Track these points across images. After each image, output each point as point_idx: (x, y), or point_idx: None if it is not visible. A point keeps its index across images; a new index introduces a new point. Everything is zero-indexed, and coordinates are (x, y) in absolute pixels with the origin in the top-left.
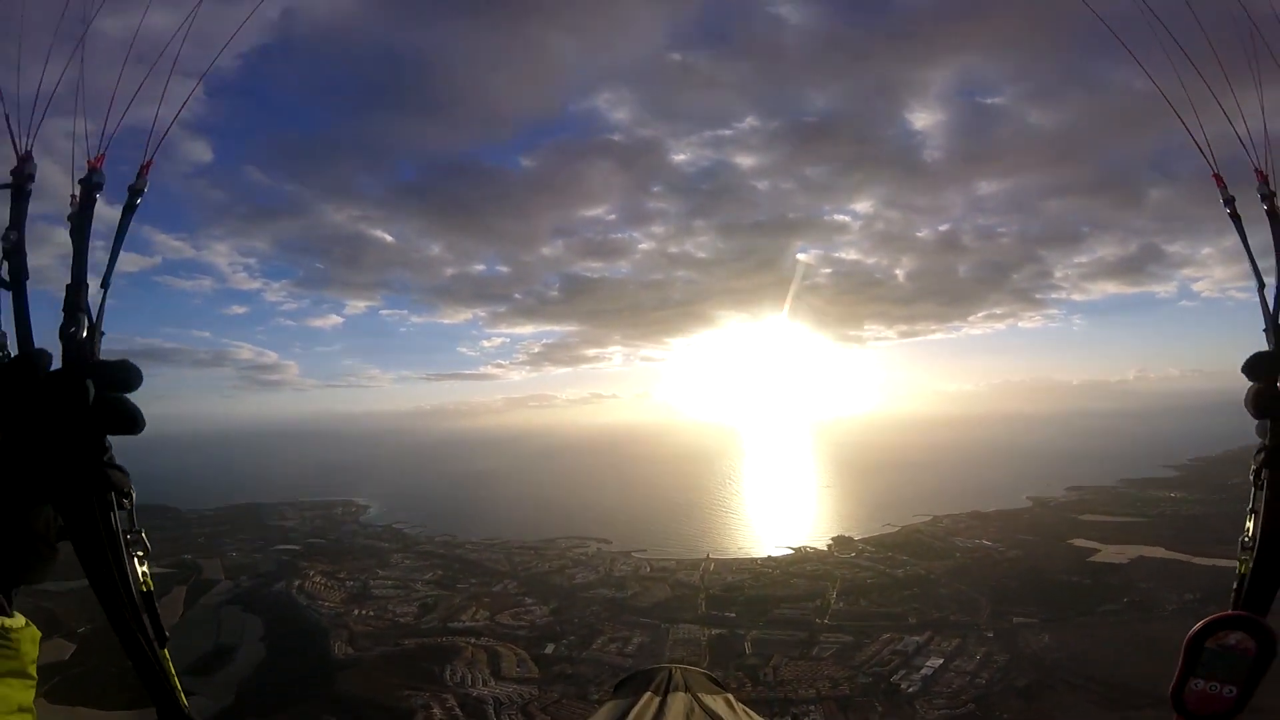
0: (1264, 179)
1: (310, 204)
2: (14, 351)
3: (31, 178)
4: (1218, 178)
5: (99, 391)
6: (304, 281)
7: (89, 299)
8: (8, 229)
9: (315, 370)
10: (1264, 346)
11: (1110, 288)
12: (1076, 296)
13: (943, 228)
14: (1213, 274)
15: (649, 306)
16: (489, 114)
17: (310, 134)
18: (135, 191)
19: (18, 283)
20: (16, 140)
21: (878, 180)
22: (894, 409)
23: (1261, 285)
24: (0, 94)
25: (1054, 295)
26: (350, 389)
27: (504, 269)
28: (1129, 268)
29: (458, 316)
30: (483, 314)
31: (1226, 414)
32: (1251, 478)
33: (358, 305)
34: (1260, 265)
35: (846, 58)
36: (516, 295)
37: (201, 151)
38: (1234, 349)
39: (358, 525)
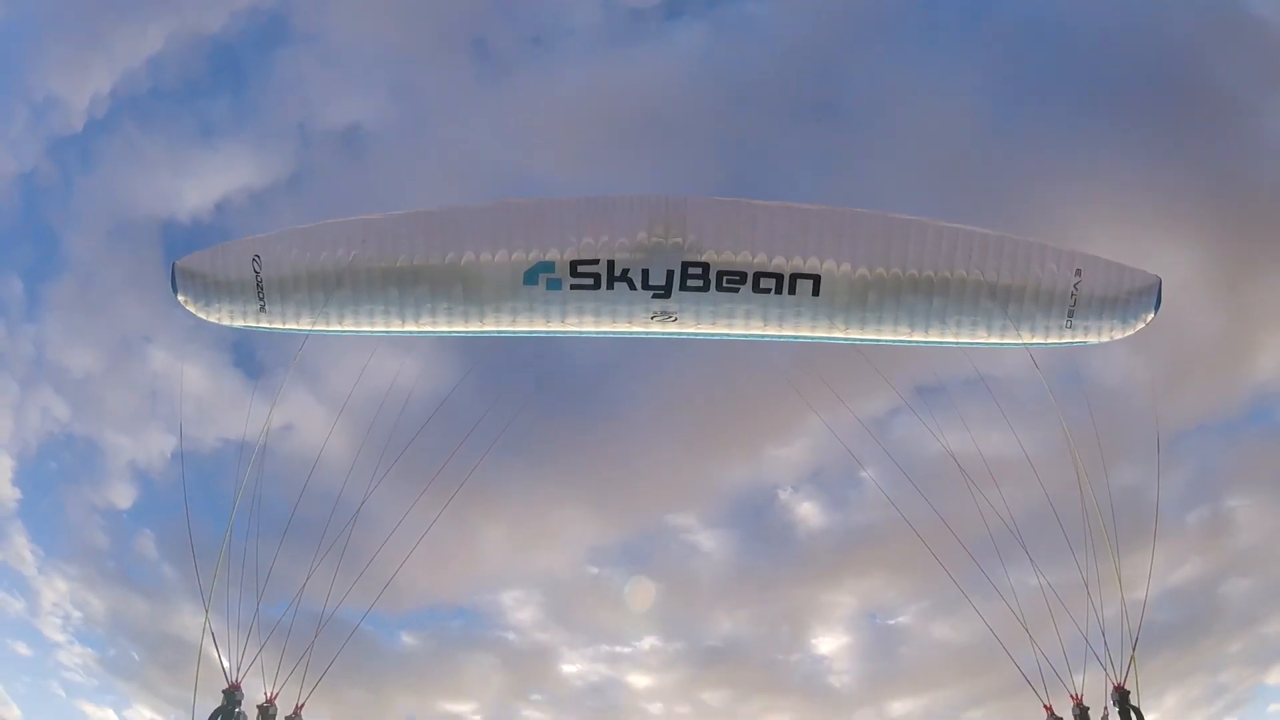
0: (1078, 701)
1: (171, 596)
2: None
3: (239, 703)
4: (1048, 708)
5: None
6: (107, 663)
7: None
8: None
9: None
10: None
11: None
12: None
13: None
14: None
15: None
16: (394, 582)
17: (211, 530)
18: (265, 712)
19: None
20: (228, 674)
21: (783, 706)
22: None
23: None
24: (214, 639)
25: None
26: None
27: None
28: None
29: None
30: None
31: None
32: None
33: (140, 712)
34: None
35: (755, 586)
36: None
37: (124, 498)
38: None
39: None
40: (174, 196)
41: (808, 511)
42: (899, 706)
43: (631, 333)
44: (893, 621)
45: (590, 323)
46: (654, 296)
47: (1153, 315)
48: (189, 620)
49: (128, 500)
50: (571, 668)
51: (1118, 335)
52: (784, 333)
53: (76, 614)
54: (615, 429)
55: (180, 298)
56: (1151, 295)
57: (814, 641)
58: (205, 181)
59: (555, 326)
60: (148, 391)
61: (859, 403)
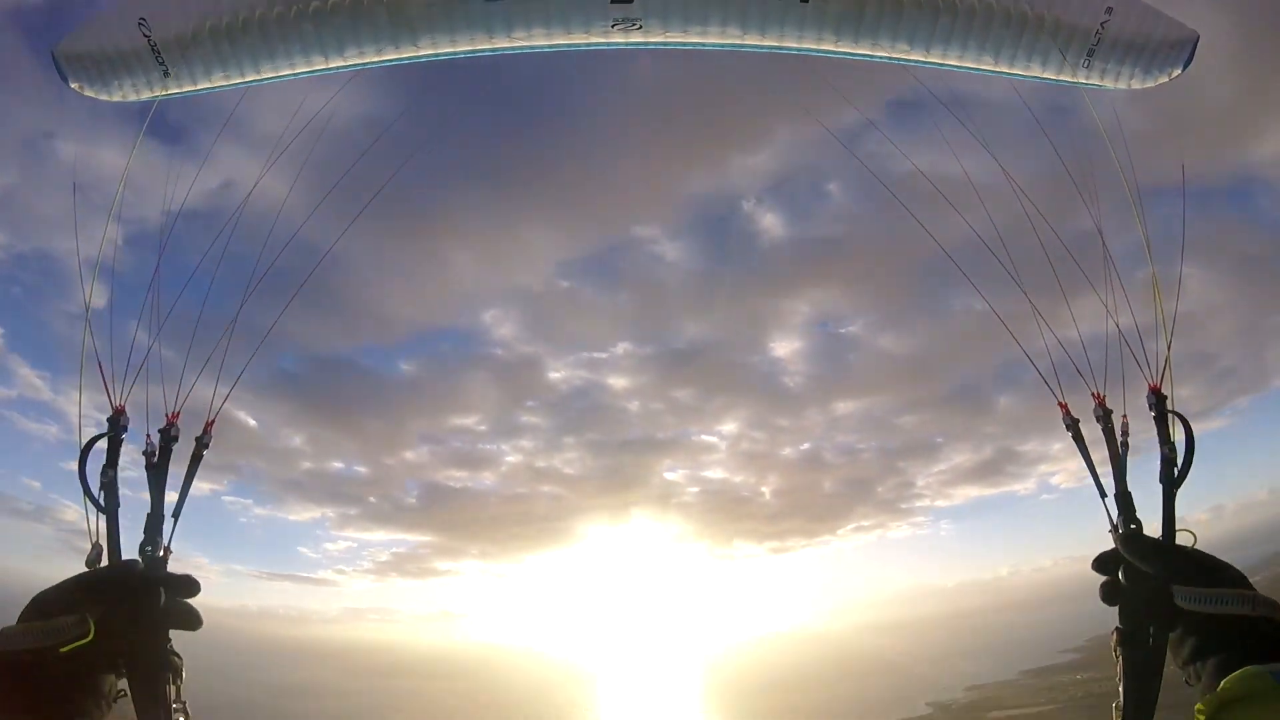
0: (1101, 401)
1: (184, 377)
2: (105, 561)
3: (125, 428)
4: (1063, 405)
5: (169, 597)
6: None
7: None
8: (105, 466)
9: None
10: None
11: (972, 491)
12: (941, 503)
13: (805, 446)
14: (1068, 466)
15: (511, 521)
16: (380, 317)
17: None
18: (201, 443)
19: (113, 510)
20: (112, 397)
21: (742, 403)
22: (774, 627)
23: (1104, 495)
24: (99, 362)
25: (919, 504)
26: None
27: (362, 469)
28: (987, 471)
29: (305, 514)
30: (332, 514)
31: None
32: (1113, 654)
33: (200, 487)
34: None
35: (718, 293)
36: (371, 499)
37: (97, 296)
38: (1097, 533)
39: None
40: None
41: (770, 223)
42: (842, 407)
43: (590, 45)
44: (843, 330)
45: (541, 35)
46: (613, 1)
47: (1179, 72)
48: (206, 393)
49: (101, 298)
50: (557, 374)
51: (1135, 85)
52: (765, 43)
53: (106, 419)
54: (574, 142)
55: (74, 85)
56: (1184, 51)
57: (771, 345)
58: None
59: (501, 43)
60: (71, 186)
61: (829, 114)
